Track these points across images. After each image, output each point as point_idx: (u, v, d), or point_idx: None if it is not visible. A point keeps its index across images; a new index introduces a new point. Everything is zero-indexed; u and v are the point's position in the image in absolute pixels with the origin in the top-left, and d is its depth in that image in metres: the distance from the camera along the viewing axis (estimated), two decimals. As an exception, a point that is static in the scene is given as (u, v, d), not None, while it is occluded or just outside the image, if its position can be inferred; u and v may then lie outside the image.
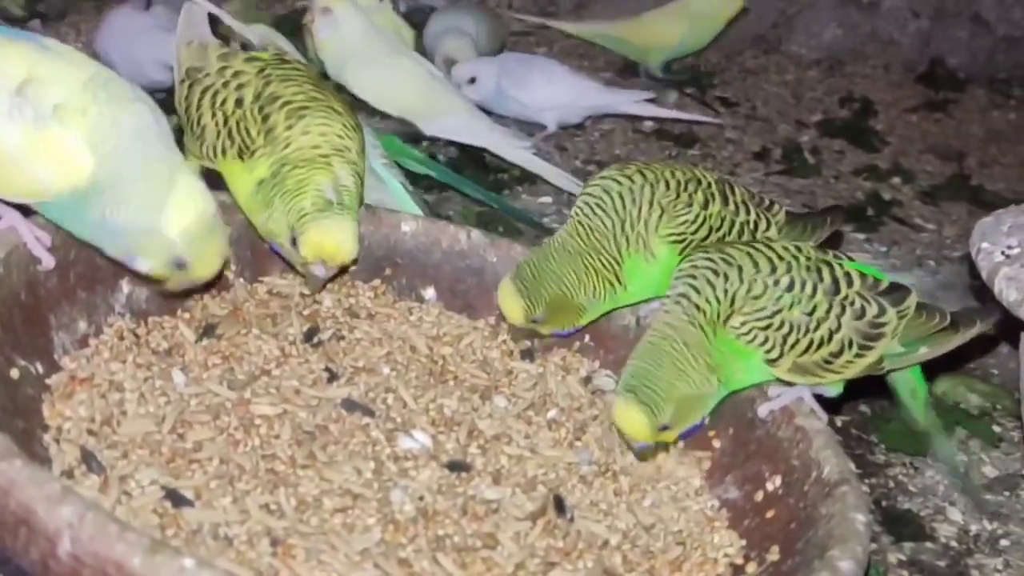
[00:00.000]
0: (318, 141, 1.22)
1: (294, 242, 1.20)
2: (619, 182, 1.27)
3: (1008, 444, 1.51)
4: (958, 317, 1.22)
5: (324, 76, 1.82)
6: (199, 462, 1.05)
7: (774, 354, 1.15)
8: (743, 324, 1.15)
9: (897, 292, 1.20)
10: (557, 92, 2.21)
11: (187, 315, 1.23)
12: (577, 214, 1.28)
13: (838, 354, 1.16)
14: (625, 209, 1.25)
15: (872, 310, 1.17)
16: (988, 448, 1.49)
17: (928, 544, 1.32)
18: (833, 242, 1.42)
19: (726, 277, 1.16)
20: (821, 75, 2.87)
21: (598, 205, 1.26)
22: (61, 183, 1.05)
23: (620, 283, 1.26)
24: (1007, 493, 1.41)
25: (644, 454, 1.18)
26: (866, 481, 1.39)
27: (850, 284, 1.17)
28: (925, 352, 1.22)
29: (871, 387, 1.56)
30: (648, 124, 2.41)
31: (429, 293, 1.36)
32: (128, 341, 1.16)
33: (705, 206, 1.25)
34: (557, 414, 1.24)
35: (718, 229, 1.26)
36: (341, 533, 1.01)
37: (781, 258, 1.17)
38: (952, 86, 2.90)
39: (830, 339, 1.15)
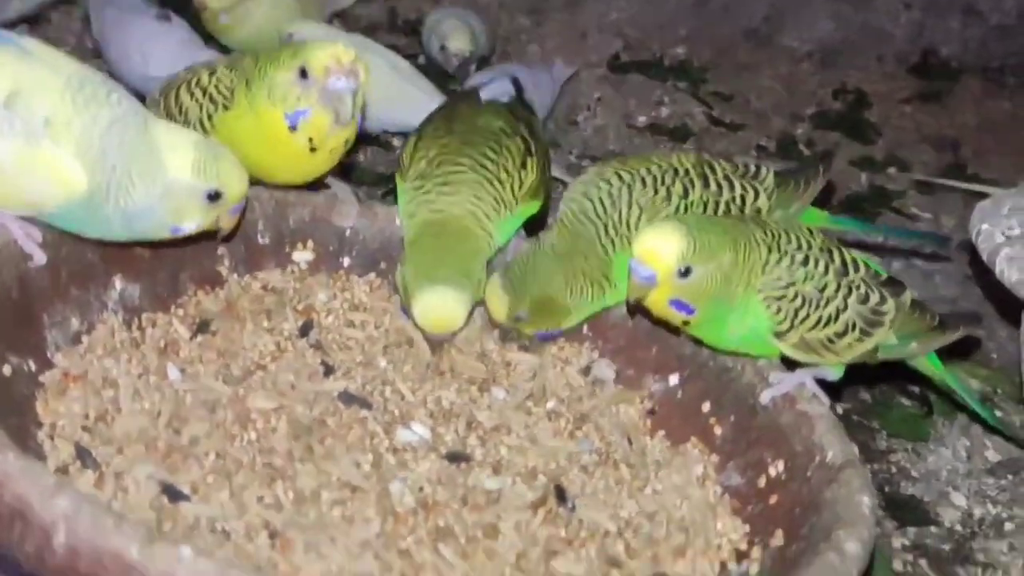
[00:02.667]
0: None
1: (304, 73, 1.18)
2: (599, 187, 1.26)
3: (1010, 428, 1.50)
4: (945, 319, 1.23)
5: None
6: (195, 457, 1.04)
7: (784, 326, 1.14)
8: (761, 290, 1.14)
9: (895, 286, 1.20)
10: None
11: (181, 311, 1.22)
12: (562, 219, 1.27)
13: (842, 335, 1.15)
14: (607, 213, 1.24)
15: (875, 297, 1.17)
16: (989, 433, 1.48)
17: (932, 528, 1.31)
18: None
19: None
20: (814, 68, 2.86)
21: (581, 211, 1.26)
22: (58, 197, 1.05)
23: (609, 281, 1.25)
24: (1011, 477, 1.41)
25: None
26: (869, 467, 1.38)
27: (856, 269, 1.17)
28: (915, 348, 1.22)
29: (871, 373, 1.56)
30: (642, 119, 2.40)
31: (425, 287, 1.35)
32: (121, 338, 1.15)
33: (685, 195, 1.25)
34: (556, 405, 1.23)
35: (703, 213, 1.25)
36: (340, 525, 1.00)
37: (800, 237, 1.18)
38: (945, 76, 2.88)
39: (836, 318, 1.15)
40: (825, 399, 1.16)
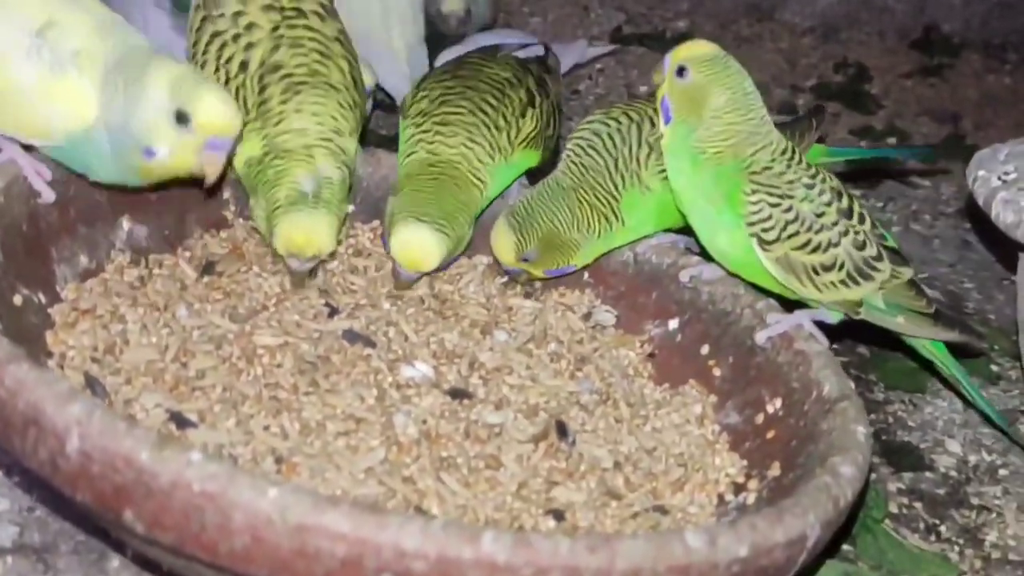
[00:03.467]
0: (307, 124, 1.20)
1: (272, 233, 1.20)
2: (607, 124, 1.28)
3: (1007, 382, 1.51)
4: (942, 314, 1.22)
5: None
6: (202, 389, 1.05)
7: (771, 235, 1.14)
8: (754, 192, 1.14)
9: (897, 256, 1.20)
10: None
11: (187, 253, 1.24)
12: (569, 156, 1.29)
13: (828, 268, 1.16)
14: (616, 148, 1.26)
15: (871, 251, 1.17)
16: (987, 386, 1.50)
17: (927, 474, 1.32)
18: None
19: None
20: (815, 42, 2.87)
21: (590, 146, 1.27)
22: (69, 127, 1.06)
23: (617, 218, 1.26)
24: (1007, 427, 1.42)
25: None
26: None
27: (862, 221, 1.18)
28: (901, 322, 1.21)
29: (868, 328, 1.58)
30: (643, 89, 2.41)
31: (428, 234, 1.37)
32: (129, 276, 1.17)
33: None
34: (557, 347, 1.24)
35: None
36: (345, 454, 1.02)
37: (817, 169, 1.18)
38: (947, 51, 2.89)
39: (826, 249, 1.15)
40: (823, 339, 1.18)
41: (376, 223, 1.36)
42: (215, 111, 1.07)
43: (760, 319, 1.21)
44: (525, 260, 1.27)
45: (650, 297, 1.30)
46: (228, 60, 1.23)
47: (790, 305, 1.22)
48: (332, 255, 1.24)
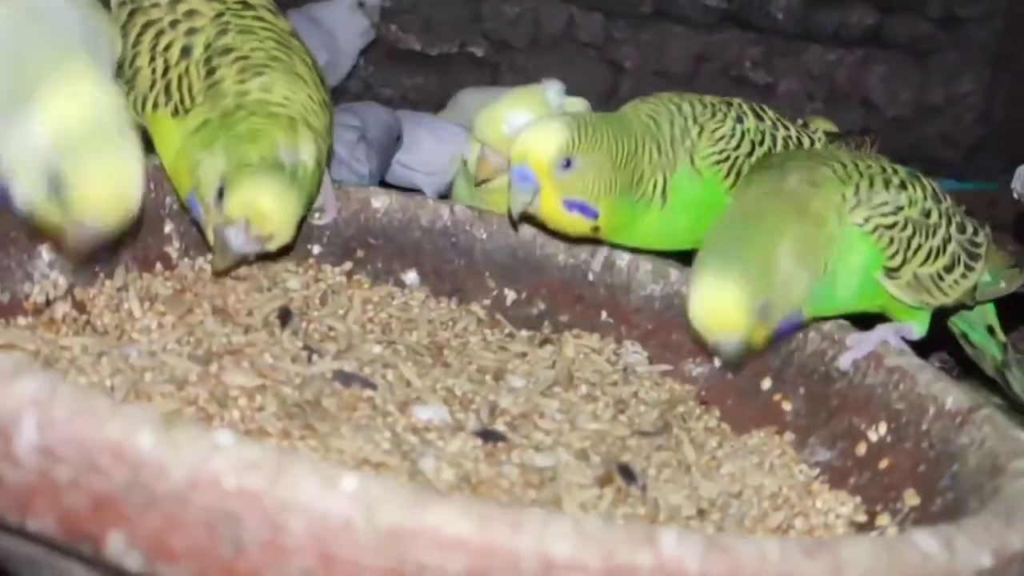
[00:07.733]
0: (282, 100, 1.00)
1: (220, 194, 0.95)
2: (663, 104, 1.14)
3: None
4: (1017, 255, 1.11)
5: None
6: (166, 437, 0.79)
7: (897, 260, 0.98)
8: (868, 220, 0.98)
9: (975, 218, 1.08)
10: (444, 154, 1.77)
11: (124, 293, 0.98)
12: (639, 107, 1.13)
13: (950, 269, 1.01)
14: (674, 125, 1.11)
15: (969, 227, 1.05)
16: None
17: None
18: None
19: (842, 164, 1.00)
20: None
21: (651, 115, 1.12)
22: None
23: (663, 194, 1.09)
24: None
25: (733, 358, 0.96)
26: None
27: (945, 199, 1.04)
28: (1003, 287, 1.09)
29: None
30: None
31: (410, 277, 1.14)
32: (64, 310, 0.91)
33: (739, 121, 1.14)
34: (590, 389, 1.02)
35: (760, 143, 1.13)
36: (369, 504, 0.76)
37: (884, 164, 1.04)
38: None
39: (944, 249, 1.00)
40: (912, 353, 0.99)
41: (348, 264, 1.13)
42: (98, 204, 0.83)
43: (832, 341, 1.02)
44: (567, 165, 1.03)
45: (685, 333, 1.09)
46: (167, 48, 1.02)
47: (862, 326, 1.03)
48: (286, 249, 1.01)
